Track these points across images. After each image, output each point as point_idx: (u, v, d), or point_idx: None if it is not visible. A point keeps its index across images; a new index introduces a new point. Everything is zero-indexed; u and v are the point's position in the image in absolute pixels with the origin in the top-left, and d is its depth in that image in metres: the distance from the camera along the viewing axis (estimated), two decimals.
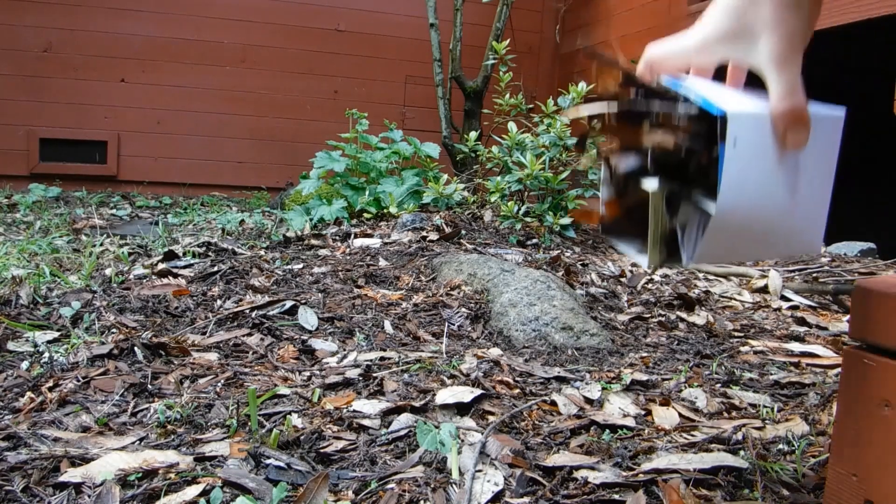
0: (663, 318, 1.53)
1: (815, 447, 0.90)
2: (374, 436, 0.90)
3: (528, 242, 2.24)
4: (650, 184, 0.66)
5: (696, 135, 0.64)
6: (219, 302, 1.52)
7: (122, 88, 4.35)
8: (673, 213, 0.68)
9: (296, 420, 0.94)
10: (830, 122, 0.67)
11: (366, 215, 2.64)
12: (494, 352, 1.28)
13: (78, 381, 1.05)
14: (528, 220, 2.33)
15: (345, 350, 1.27)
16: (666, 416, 0.99)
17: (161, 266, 1.84)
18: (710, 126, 0.62)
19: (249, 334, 1.33)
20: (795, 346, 1.37)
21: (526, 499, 0.74)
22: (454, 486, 0.76)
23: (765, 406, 1.05)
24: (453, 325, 1.43)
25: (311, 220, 2.62)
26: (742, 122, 0.62)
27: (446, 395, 1.02)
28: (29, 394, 1.00)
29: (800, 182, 0.66)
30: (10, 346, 1.21)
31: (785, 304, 1.71)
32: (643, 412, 1.02)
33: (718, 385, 1.14)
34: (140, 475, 0.77)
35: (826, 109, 0.67)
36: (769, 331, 1.50)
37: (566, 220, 2.31)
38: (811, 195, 0.68)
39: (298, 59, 4.60)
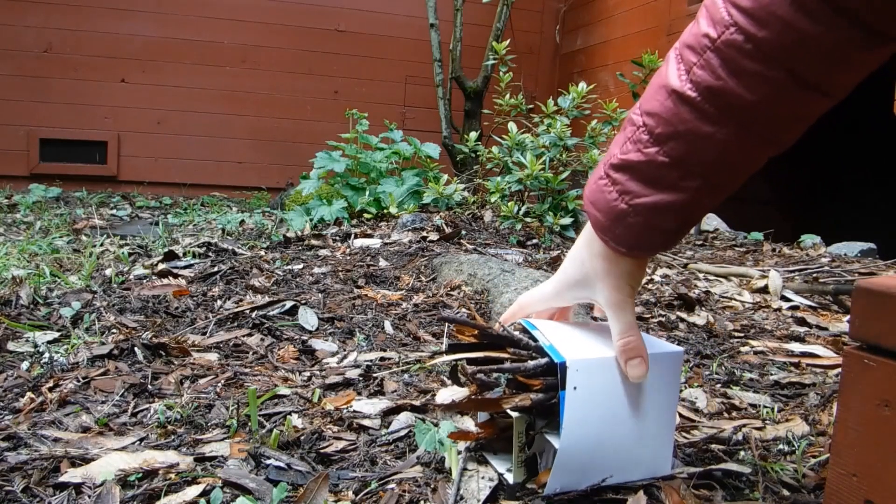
0: (663, 319, 1.53)
1: (815, 447, 0.90)
2: (375, 436, 0.90)
3: (529, 243, 2.24)
4: (514, 412, 0.75)
5: (546, 387, 0.73)
6: (219, 302, 1.52)
7: (123, 88, 4.35)
8: (530, 442, 0.77)
9: (296, 420, 0.94)
10: (671, 358, 0.77)
11: (366, 215, 2.64)
12: None
13: (78, 381, 1.05)
14: (528, 220, 2.33)
15: (345, 350, 1.27)
16: None
17: (161, 266, 1.84)
18: (556, 373, 0.71)
19: (249, 334, 1.33)
20: (795, 347, 1.37)
21: (524, 500, 0.74)
22: (452, 485, 0.76)
23: (765, 406, 1.05)
24: (453, 325, 1.43)
25: (311, 220, 2.62)
26: (581, 368, 0.71)
27: (446, 395, 1.02)
28: (29, 394, 1.00)
29: (645, 413, 0.75)
30: (10, 346, 1.21)
31: (785, 305, 1.71)
32: None
33: (719, 385, 1.14)
34: (140, 475, 0.77)
35: (668, 347, 0.78)
36: (769, 331, 1.50)
37: (566, 221, 2.31)
38: (657, 423, 0.76)
39: (298, 59, 4.60)
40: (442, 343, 1.32)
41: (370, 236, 2.31)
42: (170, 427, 0.91)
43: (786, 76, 0.57)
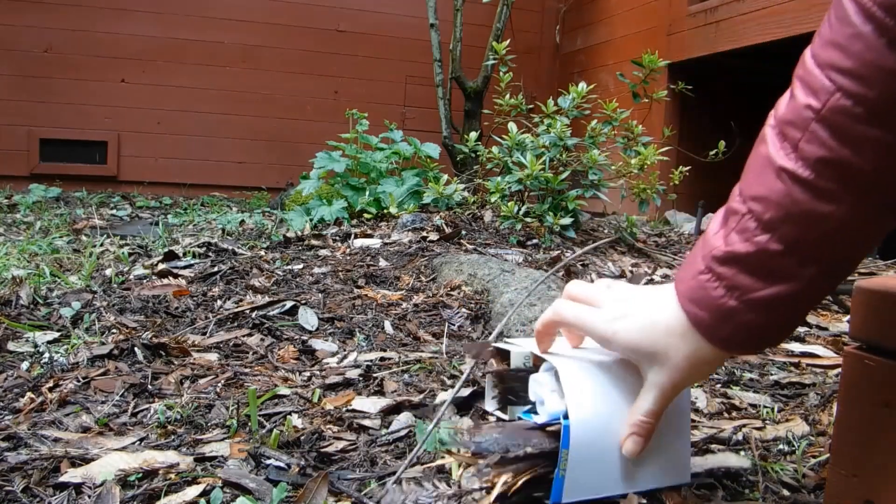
0: None
1: (815, 447, 0.90)
2: (375, 436, 0.90)
3: (529, 243, 2.24)
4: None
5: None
6: (219, 302, 1.52)
7: (123, 88, 4.35)
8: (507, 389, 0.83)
9: (296, 420, 0.94)
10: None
11: (366, 215, 2.64)
12: None
13: (78, 381, 1.05)
14: (528, 220, 2.33)
15: (345, 350, 1.27)
16: None
17: (161, 266, 1.84)
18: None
19: (249, 334, 1.33)
20: (795, 347, 1.37)
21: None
22: (453, 485, 0.76)
23: (765, 406, 1.05)
24: (453, 325, 1.43)
25: (311, 220, 2.62)
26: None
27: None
28: (29, 394, 1.00)
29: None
30: (11, 346, 1.21)
31: None
32: None
33: (719, 385, 1.14)
34: (140, 475, 0.77)
35: None
36: None
37: (566, 221, 2.31)
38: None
39: (298, 59, 4.60)
40: (442, 343, 1.32)
41: (370, 236, 2.30)
42: (170, 427, 0.91)
43: None
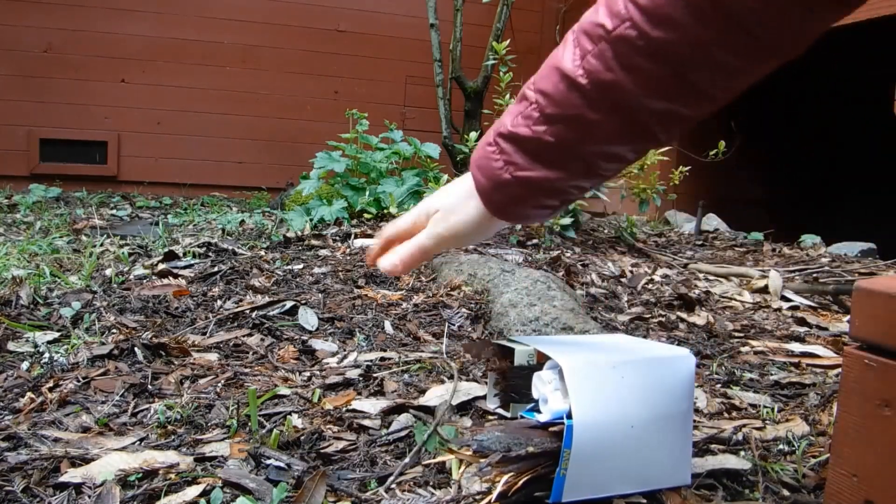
0: (663, 319, 1.53)
1: (815, 447, 0.90)
2: (375, 436, 0.90)
3: (529, 243, 2.24)
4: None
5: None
6: (219, 302, 1.52)
7: (123, 88, 4.35)
8: (510, 387, 0.84)
9: (296, 420, 0.94)
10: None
11: (366, 216, 2.64)
12: None
13: (78, 381, 1.05)
14: None
15: (345, 350, 1.27)
16: None
17: (161, 266, 1.84)
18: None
19: (249, 334, 1.33)
20: (796, 347, 1.37)
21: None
22: (453, 485, 0.76)
23: (765, 406, 1.05)
24: (454, 325, 1.43)
25: (311, 220, 2.62)
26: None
27: (438, 393, 1.02)
28: (29, 394, 1.00)
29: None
30: (11, 346, 1.21)
31: (785, 305, 1.71)
32: None
33: (719, 385, 1.14)
34: (140, 475, 0.77)
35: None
36: (769, 331, 1.50)
37: (566, 221, 2.31)
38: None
39: (298, 59, 4.60)
40: (442, 343, 1.32)
41: (370, 236, 2.30)
42: (170, 427, 0.91)
43: (674, 75, 0.58)
